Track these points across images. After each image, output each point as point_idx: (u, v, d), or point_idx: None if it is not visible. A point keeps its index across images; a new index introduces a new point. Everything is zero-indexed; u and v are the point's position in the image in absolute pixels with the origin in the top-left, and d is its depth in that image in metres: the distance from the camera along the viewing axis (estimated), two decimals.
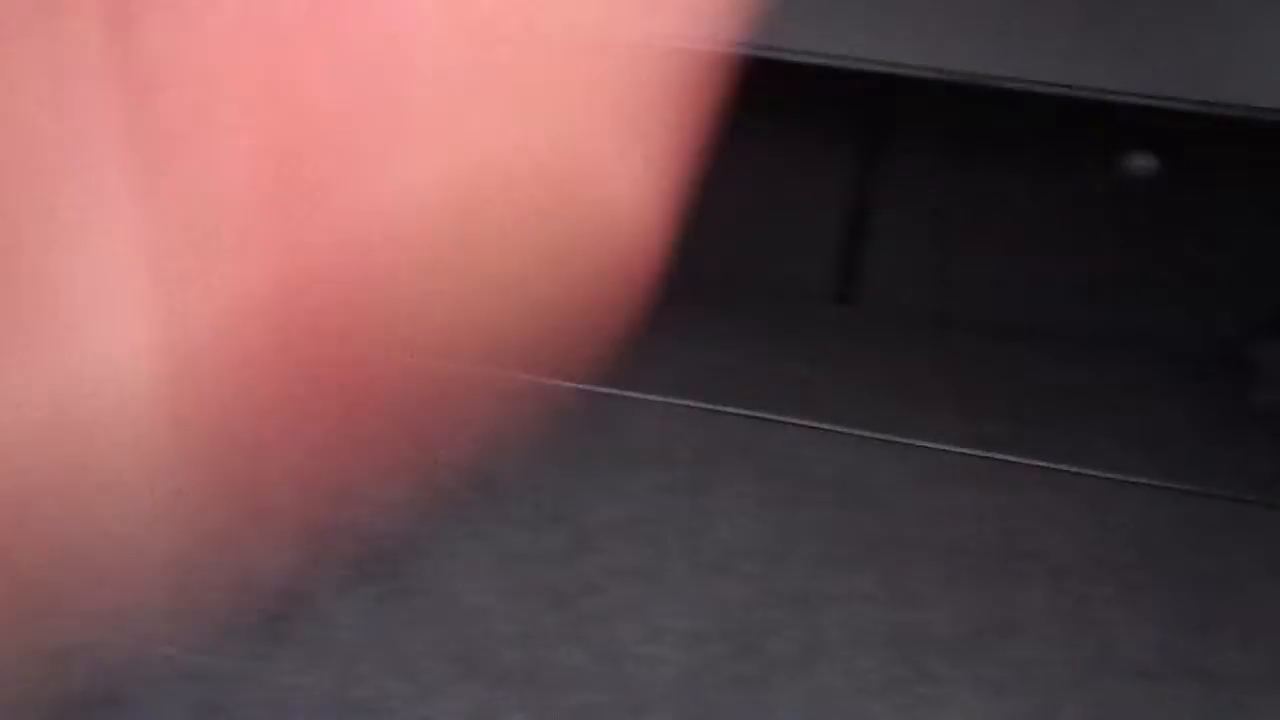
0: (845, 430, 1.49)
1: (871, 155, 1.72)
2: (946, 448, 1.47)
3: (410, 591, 1.17)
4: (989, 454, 1.46)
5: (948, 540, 1.30)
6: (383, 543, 1.23)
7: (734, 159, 1.76)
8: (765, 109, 1.66)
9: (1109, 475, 1.44)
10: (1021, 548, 1.30)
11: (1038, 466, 1.45)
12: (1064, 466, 1.44)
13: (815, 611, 1.19)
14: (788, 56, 1.54)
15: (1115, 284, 1.73)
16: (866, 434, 1.49)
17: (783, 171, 1.74)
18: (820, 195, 1.75)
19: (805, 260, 1.83)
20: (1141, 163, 1.54)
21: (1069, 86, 1.55)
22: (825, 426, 1.50)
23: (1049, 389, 1.65)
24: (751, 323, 1.77)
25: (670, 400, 1.53)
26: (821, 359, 1.69)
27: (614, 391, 1.54)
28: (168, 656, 1.05)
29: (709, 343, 1.69)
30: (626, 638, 1.14)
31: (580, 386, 1.54)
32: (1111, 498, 1.40)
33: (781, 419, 1.51)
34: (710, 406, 1.53)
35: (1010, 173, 1.68)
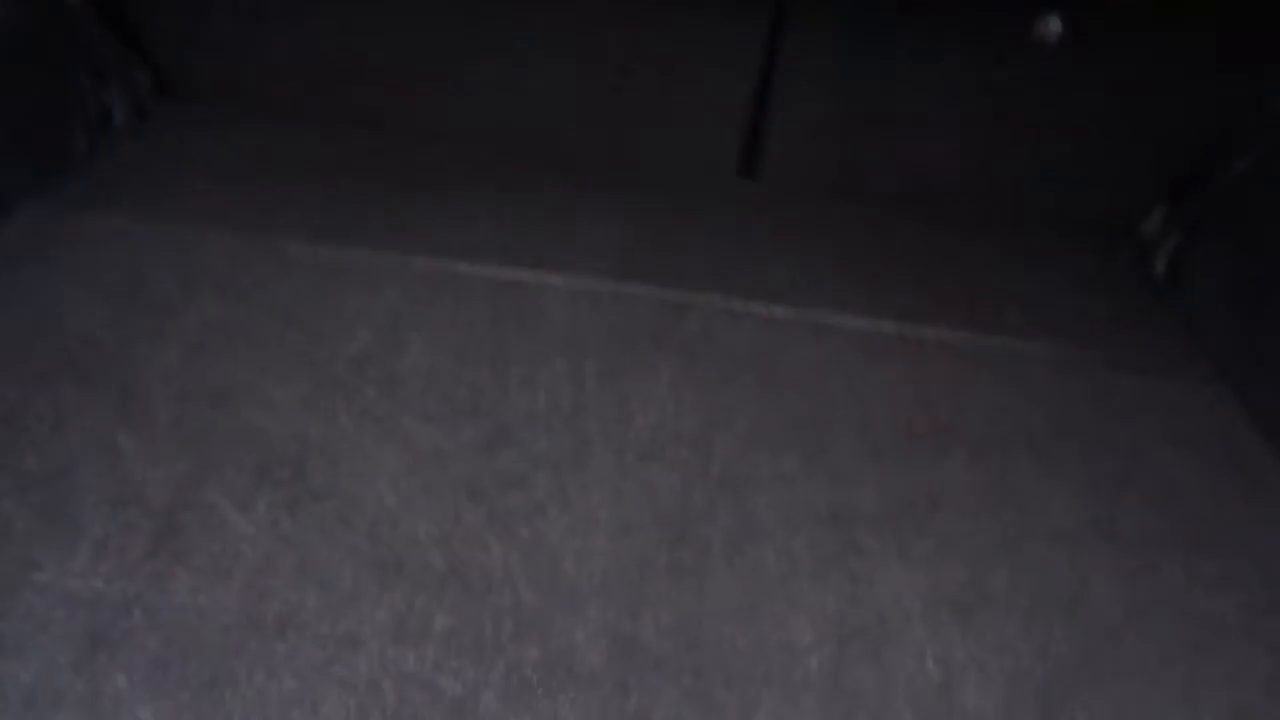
0: (762, 309, 1.45)
1: (774, 28, 1.63)
2: (861, 324, 1.45)
3: (317, 496, 1.08)
4: (902, 329, 1.45)
5: (869, 416, 1.29)
6: (280, 446, 1.13)
7: (636, 35, 1.66)
8: None
9: (1016, 347, 1.45)
10: (940, 421, 1.30)
11: (949, 340, 1.45)
12: (974, 339, 1.45)
13: (744, 495, 1.16)
14: None
15: (1017, 156, 1.72)
16: (783, 312, 1.45)
17: (685, 46, 1.64)
18: (723, 69, 1.67)
19: (708, 135, 1.75)
20: (1051, 27, 1.51)
21: None
22: (739, 305, 1.46)
23: (953, 263, 1.64)
24: (656, 200, 1.69)
25: (577, 282, 1.46)
26: (729, 236, 1.63)
27: (522, 276, 1.45)
28: (44, 584, 0.95)
29: (613, 222, 1.61)
30: (554, 532, 1.09)
31: (486, 271, 1.45)
32: (1020, 369, 1.42)
33: (694, 299, 1.46)
34: (621, 287, 1.46)
35: (914, 44, 1.62)
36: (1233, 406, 1.39)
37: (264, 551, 1.01)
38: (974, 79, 1.64)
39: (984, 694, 0.99)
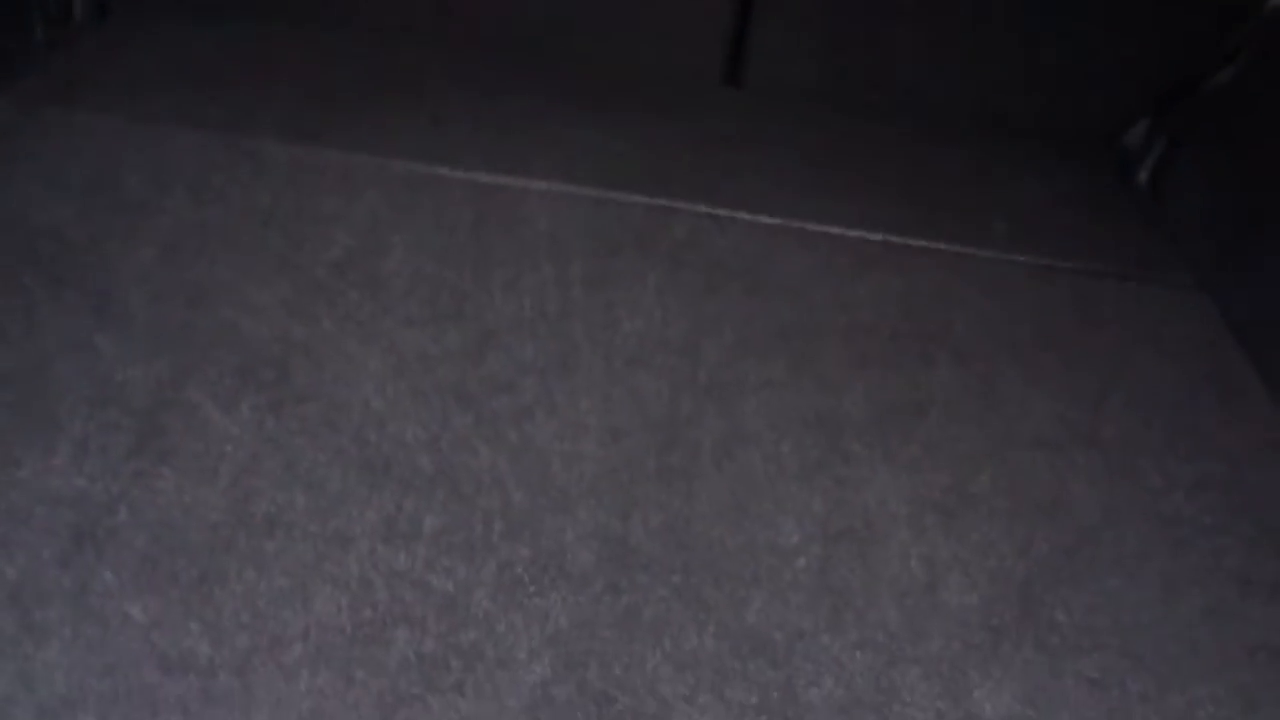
0: (749, 217, 1.44)
1: None
2: (848, 232, 1.44)
3: (302, 398, 1.07)
4: (889, 238, 1.44)
5: (856, 324, 1.29)
6: (262, 347, 1.11)
7: None
8: None
9: (1003, 257, 1.45)
10: (925, 329, 1.31)
11: (936, 250, 1.44)
12: (962, 248, 1.45)
13: (732, 400, 1.16)
14: None
15: (1005, 66, 1.70)
16: (770, 220, 1.44)
17: None
18: None
19: (693, 41, 1.71)
20: None
21: None
22: (726, 213, 1.44)
23: (941, 173, 1.63)
24: (640, 107, 1.65)
25: (562, 187, 1.43)
26: (715, 143, 1.61)
27: (504, 180, 1.42)
28: (25, 481, 0.93)
29: (596, 128, 1.58)
30: (542, 436, 1.08)
31: (467, 175, 1.42)
32: (1006, 279, 1.42)
33: (681, 206, 1.44)
34: (606, 194, 1.44)
35: None
36: (1212, 315, 1.40)
37: (249, 452, 1.00)
38: None
39: (966, 592, 1.01)
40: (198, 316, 1.12)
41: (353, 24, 1.66)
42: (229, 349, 1.10)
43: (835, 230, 1.44)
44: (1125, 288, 1.43)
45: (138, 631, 0.84)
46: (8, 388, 1.00)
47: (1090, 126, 1.75)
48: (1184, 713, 0.93)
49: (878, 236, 1.44)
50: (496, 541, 0.97)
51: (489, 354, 1.16)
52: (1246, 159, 1.47)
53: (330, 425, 1.05)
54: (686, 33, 1.70)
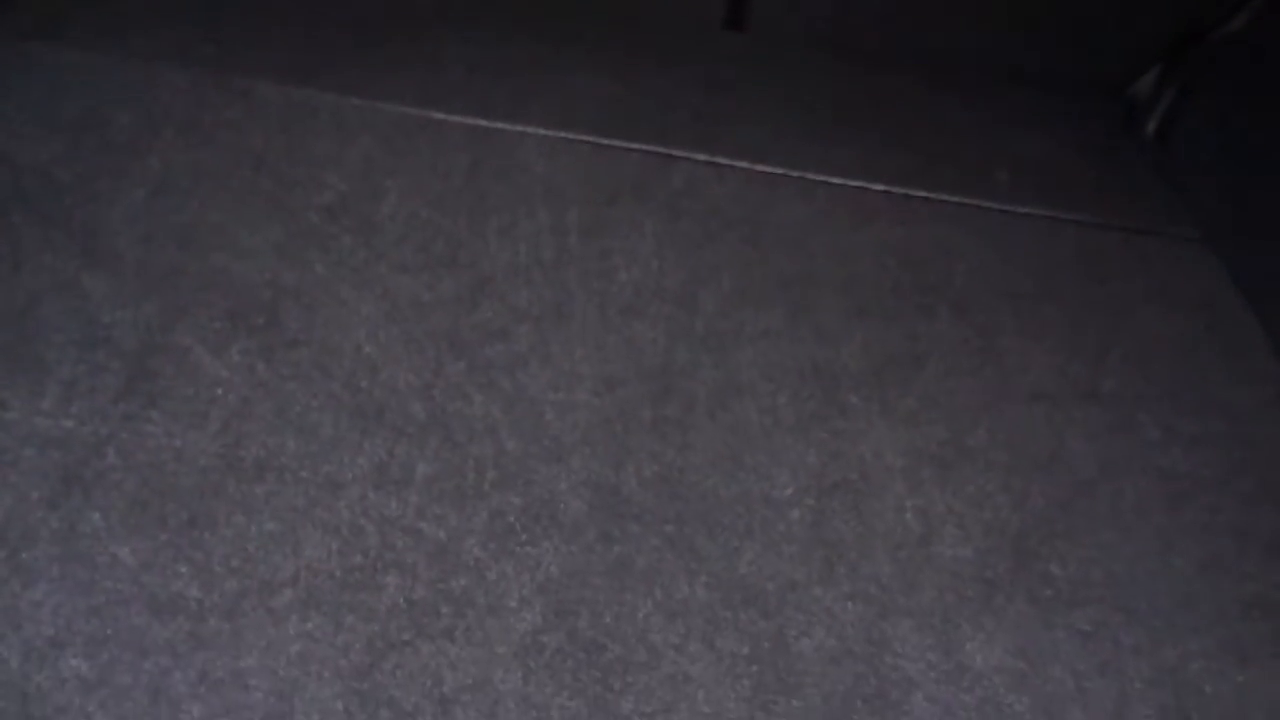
0: (748, 166, 1.41)
1: None
2: (849, 182, 1.42)
3: (294, 343, 1.05)
4: (891, 188, 1.42)
5: (855, 275, 1.28)
6: (254, 291, 1.09)
7: None
8: None
9: (1006, 208, 1.43)
10: (926, 281, 1.29)
11: (939, 200, 1.42)
12: (964, 199, 1.42)
13: (729, 351, 1.15)
14: None
15: (1013, 14, 1.65)
16: (770, 169, 1.41)
17: None
18: None
19: None
20: None
21: None
22: (725, 161, 1.41)
23: (945, 122, 1.60)
24: (639, 52, 1.62)
25: (559, 134, 1.40)
26: (715, 90, 1.57)
27: (501, 125, 1.39)
28: (12, 422, 0.92)
29: (594, 74, 1.54)
30: (536, 385, 1.07)
31: (463, 119, 1.39)
32: (1009, 230, 1.40)
33: (680, 154, 1.41)
34: (604, 140, 1.41)
35: None
36: (1217, 268, 1.38)
37: (240, 396, 0.99)
38: None
39: (960, 545, 1.00)
40: (188, 259, 1.11)
41: None
42: (219, 292, 1.08)
43: (836, 180, 1.41)
44: (1130, 241, 1.41)
45: (126, 573, 0.83)
46: None
47: (1099, 77, 1.71)
48: (1176, 666, 0.93)
49: (879, 186, 1.41)
50: (488, 490, 0.97)
51: (483, 301, 1.15)
52: (1256, 111, 1.44)
53: (322, 370, 1.03)
54: None
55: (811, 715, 0.86)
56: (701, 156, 1.41)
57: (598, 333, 1.14)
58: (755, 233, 1.31)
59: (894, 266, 1.30)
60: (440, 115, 1.38)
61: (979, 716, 0.87)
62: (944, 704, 0.88)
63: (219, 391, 0.99)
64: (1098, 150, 1.61)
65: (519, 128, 1.39)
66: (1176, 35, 1.62)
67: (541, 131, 1.40)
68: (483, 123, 1.39)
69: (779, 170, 1.42)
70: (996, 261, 1.34)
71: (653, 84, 1.55)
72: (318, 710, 0.79)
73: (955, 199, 1.43)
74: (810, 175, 1.42)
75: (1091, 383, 1.19)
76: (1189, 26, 1.60)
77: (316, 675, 0.81)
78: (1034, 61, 1.69)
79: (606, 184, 1.34)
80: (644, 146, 1.41)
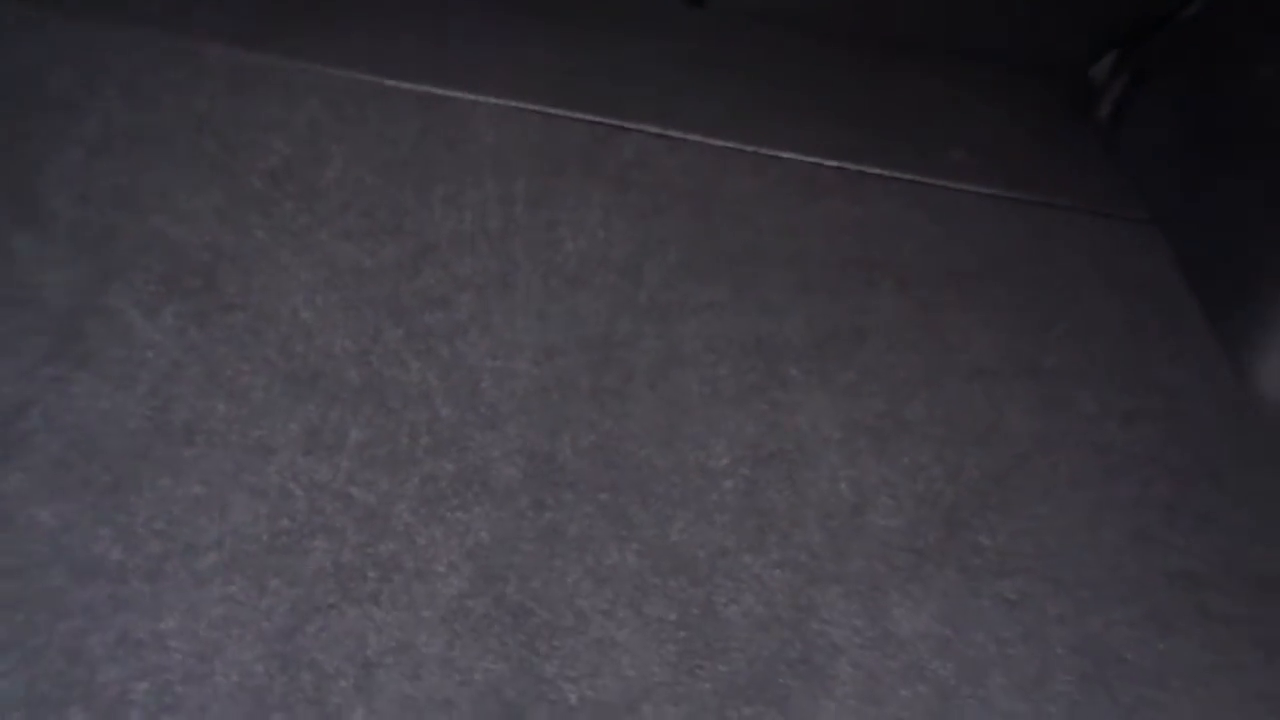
0: (700, 139, 1.41)
1: None
2: (802, 158, 1.41)
3: (229, 308, 1.05)
4: (844, 164, 1.42)
5: (802, 250, 1.28)
6: (191, 255, 1.08)
7: None
8: None
9: (957, 186, 1.43)
10: (872, 257, 1.29)
11: (890, 177, 1.42)
12: (916, 177, 1.42)
13: (672, 322, 1.15)
14: None
15: None
16: (721, 143, 1.41)
17: None
18: None
19: None
20: None
21: None
22: (677, 134, 1.41)
23: (901, 100, 1.60)
24: (596, 25, 1.61)
25: (511, 104, 1.39)
26: (671, 64, 1.57)
27: (452, 94, 1.38)
28: None
29: (549, 45, 1.53)
30: (475, 353, 1.07)
31: (413, 87, 1.38)
32: (959, 208, 1.40)
33: (632, 126, 1.41)
34: (555, 111, 1.40)
35: None
36: (1163, 250, 1.39)
37: (171, 359, 0.98)
38: None
39: (892, 515, 1.01)
40: (124, 221, 1.10)
41: None
42: (155, 255, 1.07)
43: (788, 155, 1.41)
44: (1078, 220, 1.42)
45: (46, 535, 0.83)
46: None
47: (1056, 58, 1.72)
48: (1099, 634, 0.94)
49: (832, 163, 1.41)
50: (421, 456, 0.96)
51: (425, 269, 1.14)
52: (1205, 96, 1.45)
53: (256, 335, 1.03)
54: None
55: (737, 679, 0.86)
56: (654, 129, 1.41)
57: (540, 302, 1.14)
58: (705, 206, 1.31)
59: (842, 242, 1.31)
60: (391, 82, 1.37)
61: (903, 681, 0.88)
62: (868, 669, 0.89)
63: (149, 354, 0.98)
64: (1052, 131, 1.62)
65: (470, 96, 1.38)
66: (1134, 19, 1.63)
67: (493, 101, 1.39)
68: (434, 90, 1.38)
69: (732, 145, 1.42)
70: (944, 239, 1.34)
71: (608, 57, 1.54)
72: (237, 672, 0.79)
73: (907, 176, 1.43)
74: (763, 150, 1.42)
75: (1032, 359, 1.20)
76: (1147, 11, 1.60)
77: (238, 638, 0.81)
78: (993, 42, 1.70)
79: (556, 155, 1.34)
80: (596, 118, 1.41)
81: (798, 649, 0.89)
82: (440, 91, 1.38)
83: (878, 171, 1.42)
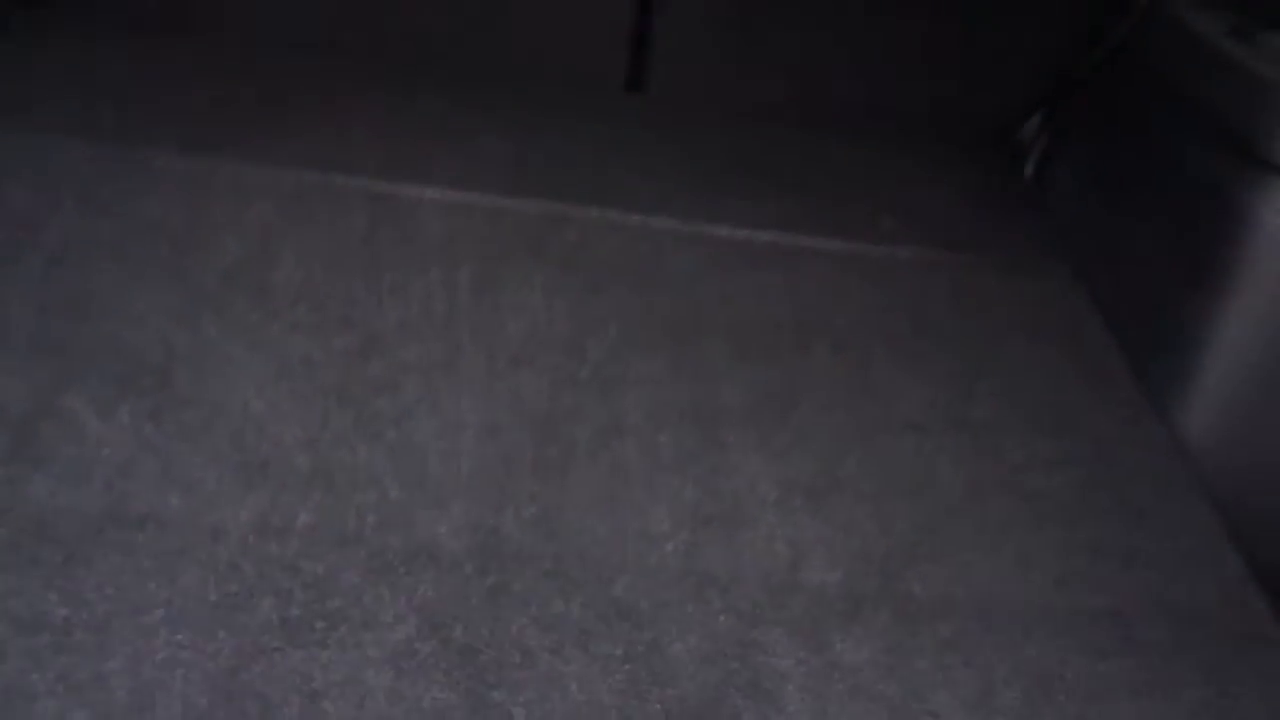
0: (640, 219, 1.48)
1: None
2: (738, 233, 1.48)
3: (183, 403, 1.09)
4: (777, 237, 1.49)
5: (738, 319, 1.33)
6: (144, 355, 1.13)
7: None
8: None
9: (889, 251, 1.50)
10: (806, 322, 1.35)
11: (823, 248, 1.49)
12: (847, 244, 1.49)
13: (612, 395, 1.20)
14: None
15: (900, 65, 1.75)
16: (660, 223, 1.48)
17: None
18: None
19: (595, 49, 1.76)
20: None
21: None
22: (618, 216, 1.48)
23: (833, 171, 1.68)
24: (540, 114, 1.69)
25: (457, 195, 1.46)
26: (613, 148, 1.65)
27: (400, 188, 1.45)
28: None
29: (495, 136, 1.61)
30: (422, 434, 1.11)
31: (363, 183, 1.44)
32: (890, 271, 1.47)
33: (574, 212, 1.48)
34: (500, 201, 1.47)
35: None
36: (1086, 303, 1.46)
37: (126, 456, 1.02)
38: None
39: (829, 570, 1.05)
40: (81, 327, 1.14)
41: (257, 37, 1.68)
42: (111, 357, 1.12)
43: (724, 230, 1.48)
44: (1003, 278, 1.49)
45: None
46: None
47: (984, 123, 1.81)
48: (1036, 659, 0.98)
49: (766, 235, 1.48)
50: (369, 534, 1.00)
51: (373, 357, 1.19)
52: (1117, 151, 1.54)
53: (209, 429, 1.07)
54: (589, 40, 1.74)
55: (687, 703, 0.89)
56: (595, 212, 1.48)
57: (485, 382, 1.19)
58: (644, 282, 1.37)
59: (777, 309, 1.37)
60: (340, 179, 1.44)
61: (851, 699, 0.91)
62: (816, 692, 0.91)
63: (105, 451, 1.02)
64: (981, 193, 1.70)
65: (418, 190, 1.45)
66: (1055, 82, 1.73)
67: (440, 194, 1.45)
68: (382, 185, 1.44)
69: (670, 223, 1.49)
70: (876, 302, 1.41)
71: (553, 144, 1.62)
72: (181, 704, 0.81)
73: (839, 244, 1.50)
74: (700, 227, 1.49)
75: (961, 412, 1.25)
76: (1066, 73, 1.70)
77: (183, 677, 0.83)
78: (924, 109, 1.79)
79: (502, 242, 1.40)
80: (541, 205, 1.48)
81: (745, 676, 0.92)
82: (389, 186, 1.45)
83: (811, 242, 1.48)
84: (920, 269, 1.48)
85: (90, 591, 0.88)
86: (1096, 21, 1.64)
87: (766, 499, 1.11)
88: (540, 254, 1.39)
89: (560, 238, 1.43)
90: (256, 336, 1.18)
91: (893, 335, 1.35)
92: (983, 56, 1.73)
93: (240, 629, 0.87)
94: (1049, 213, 1.65)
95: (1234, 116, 1.25)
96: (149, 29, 1.65)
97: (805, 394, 1.24)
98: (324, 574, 0.94)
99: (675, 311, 1.33)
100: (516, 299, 1.31)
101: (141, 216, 1.30)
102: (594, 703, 0.87)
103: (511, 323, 1.27)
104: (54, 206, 1.28)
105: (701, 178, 1.60)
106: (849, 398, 1.25)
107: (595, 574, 1.00)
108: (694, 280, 1.39)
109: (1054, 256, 1.55)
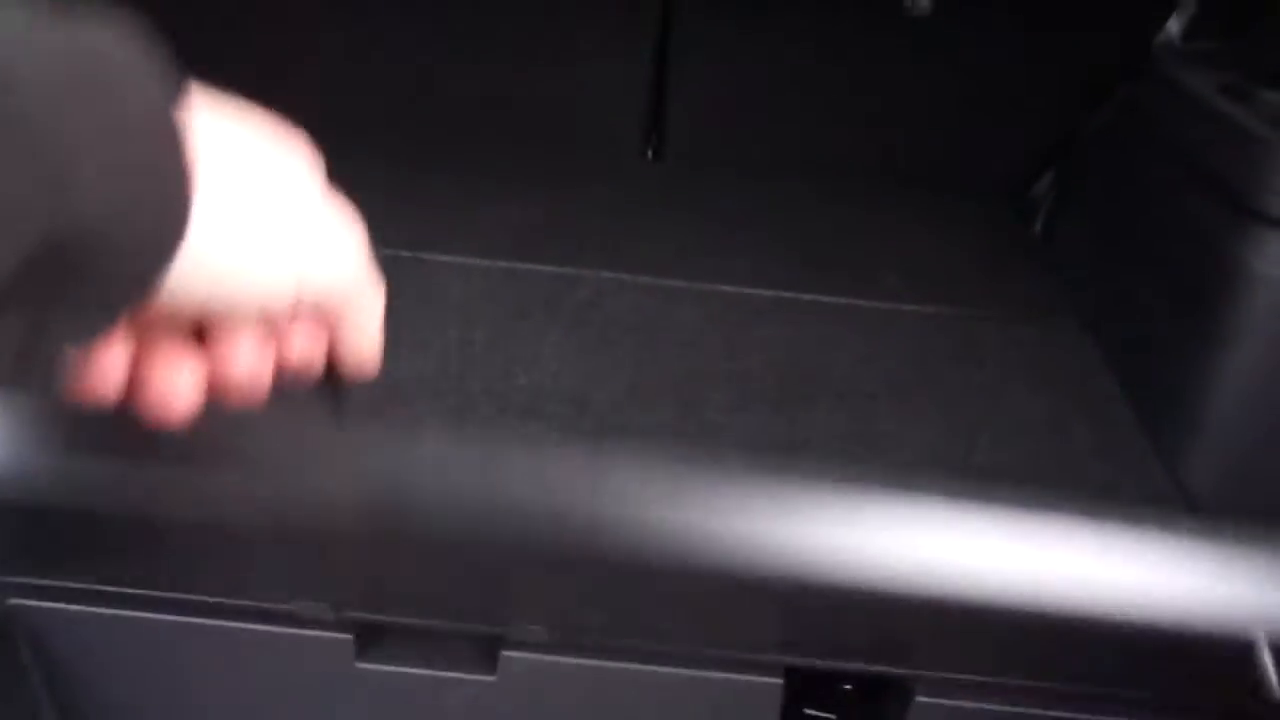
0: (649, 279, 1.53)
1: (664, 24, 1.71)
2: (742, 289, 1.53)
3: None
4: (781, 293, 1.53)
5: (742, 371, 1.37)
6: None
7: (530, 11, 1.73)
8: None
9: (893, 306, 1.53)
10: (809, 374, 1.38)
11: (829, 305, 1.53)
12: (851, 300, 1.53)
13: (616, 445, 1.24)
14: None
15: (909, 124, 1.81)
16: (668, 282, 1.53)
17: (584, 22, 1.72)
18: (623, 57, 1.75)
19: (610, 117, 1.84)
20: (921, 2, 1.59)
21: None
22: (628, 276, 1.53)
23: (839, 229, 1.73)
24: (556, 182, 1.77)
25: (477, 261, 1.53)
26: (628, 211, 1.71)
27: (421, 255, 1.52)
28: None
29: (515, 203, 1.69)
30: None
31: (384, 251, 1.52)
32: (894, 325, 1.50)
33: (587, 271, 1.54)
34: (516, 265, 1.54)
35: (799, 22, 1.71)
36: (1092, 354, 1.47)
37: None
38: (860, 50, 1.72)
39: None
40: None
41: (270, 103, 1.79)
42: None
43: (730, 288, 1.53)
44: (1008, 330, 1.51)
45: None
46: None
47: (991, 179, 1.85)
48: None
49: (770, 292, 1.53)
50: None
51: (388, 409, 1.24)
52: (1121, 202, 1.56)
53: None
54: (606, 109, 1.82)
55: None
56: (606, 273, 1.53)
57: (494, 432, 1.24)
58: (651, 337, 1.42)
59: (781, 362, 1.40)
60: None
61: None
62: None
63: None
64: (988, 248, 1.73)
65: (436, 257, 1.52)
66: (1063, 138, 1.76)
67: (458, 260, 1.52)
68: (401, 254, 1.52)
69: (679, 282, 1.54)
70: (878, 353, 1.43)
71: (567, 210, 1.69)
72: None
73: (843, 300, 1.53)
74: (706, 285, 1.53)
75: (963, 460, 1.27)
76: (1073, 130, 1.74)
77: None
78: (932, 165, 1.84)
79: (515, 302, 1.46)
80: (555, 268, 1.54)
81: None
82: (406, 254, 1.52)
83: (812, 298, 1.52)
84: (924, 323, 1.51)
85: None
86: (1104, 79, 1.68)
87: None
88: (552, 313, 1.45)
89: (572, 296, 1.48)
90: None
91: (895, 385, 1.37)
92: (986, 109, 1.77)
93: None
94: (1056, 268, 1.67)
95: (1226, 170, 1.27)
96: None
97: (806, 442, 1.27)
98: None
99: (680, 364, 1.38)
100: (526, 354, 1.36)
101: None
102: None
103: (522, 375, 1.32)
104: None
105: (707, 238, 1.66)
106: (849, 446, 1.27)
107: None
108: (698, 335, 1.44)
109: (1060, 309, 1.57)
